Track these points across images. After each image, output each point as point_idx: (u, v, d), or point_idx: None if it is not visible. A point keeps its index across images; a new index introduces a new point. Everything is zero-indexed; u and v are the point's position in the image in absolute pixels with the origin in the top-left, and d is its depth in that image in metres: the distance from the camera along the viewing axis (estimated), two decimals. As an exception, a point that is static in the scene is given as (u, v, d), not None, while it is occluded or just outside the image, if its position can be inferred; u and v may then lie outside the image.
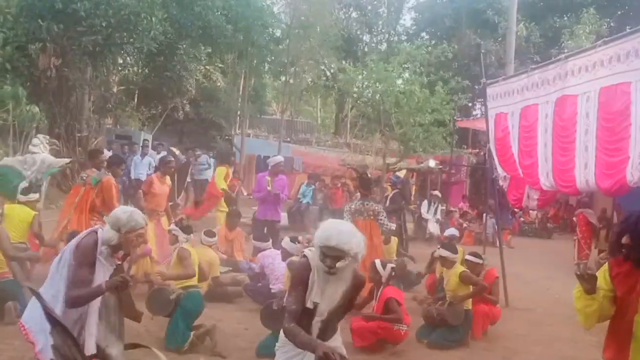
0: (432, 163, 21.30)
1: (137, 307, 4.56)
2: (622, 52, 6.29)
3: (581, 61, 7.09)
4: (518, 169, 8.65)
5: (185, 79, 20.71)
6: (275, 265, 7.70)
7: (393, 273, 6.77)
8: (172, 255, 6.75)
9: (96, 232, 4.10)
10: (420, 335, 7.05)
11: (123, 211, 4.14)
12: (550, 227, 20.96)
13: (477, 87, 23.19)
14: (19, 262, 7.11)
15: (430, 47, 20.40)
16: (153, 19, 15.24)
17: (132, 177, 15.46)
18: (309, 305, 3.39)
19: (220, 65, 23.99)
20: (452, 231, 9.99)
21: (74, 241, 4.15)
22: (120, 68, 20.97)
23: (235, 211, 10.86)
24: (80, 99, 17.30)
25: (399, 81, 19.81)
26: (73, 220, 7.71)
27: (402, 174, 18.16)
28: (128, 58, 20.20)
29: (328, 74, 30.39)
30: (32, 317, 3.90)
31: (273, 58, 22.98)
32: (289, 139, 28.34)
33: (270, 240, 8.67)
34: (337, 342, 3.50)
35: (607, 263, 3.46)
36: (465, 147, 26.05)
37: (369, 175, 10.50)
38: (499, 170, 9.34)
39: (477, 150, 24.95)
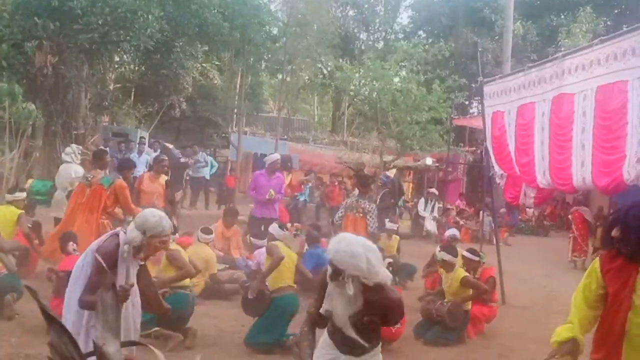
0: (429, 161, 21.35)
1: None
2: (619, 51, 6.29)
3: (578, 60, 7.09)
4: (515, 167, 8.66)
5: (181, 77, 20.68)
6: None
7: (390, 269, 6.77)
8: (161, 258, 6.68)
9: (117, 235, 4.09)
10: (417, 334, 7.07)
11: (152, 214, 4.10)
12: (547, 224, 21.03)
13: (474, 85, 23.28)
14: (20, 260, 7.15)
15: (427, 46, 20.47)
16: (149, 16, 15.19)
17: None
18: (322, 312, 3.40)
19: (217, 63, 23.96)
20: (453, 231, 9.98)
21: (94, 244, 4.16)
22: (116, 66, 20.93)
23: (232, 209, 10.87)
24: (77, 97, 17.25)
25: (396, 79, 19.85)
26: (81, 219, 7.72)
27: (391, 173, 18.21)
28: (124, 56, 20.17)
29: (325, 72, 30.41)
30: (67, 319, 3.92)
31: (270, 56, 22.94)
32: (285, 137, 28.34)
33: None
34: None
35: (597, 259, 3.33)
36: (462, 145, 26.09)
37: (367, 173, 10.54)
38: (496, 168, 9.34)
39: (474, 148, 24.99)
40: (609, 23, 26.71)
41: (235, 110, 23.68)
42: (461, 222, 17.04)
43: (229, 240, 9.89)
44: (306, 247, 9.40)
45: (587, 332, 3.34)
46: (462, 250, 7.49)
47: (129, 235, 4.04)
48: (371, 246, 3.26)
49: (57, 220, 9.00)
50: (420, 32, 32.53)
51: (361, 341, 3.37)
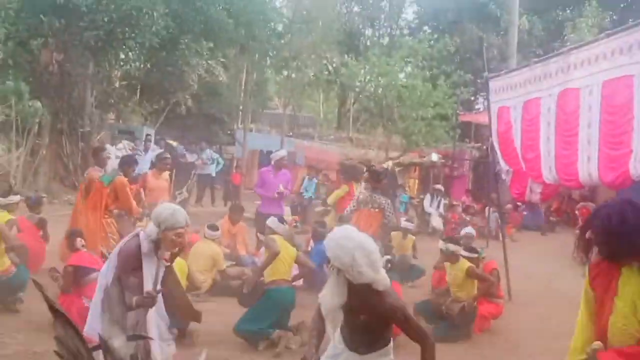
0: (434, 157, 21.29)
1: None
2: (625, 45, 6.26)
3: (584, 54, 7.07)
4: (521, 162, 8.64)
5: (187, 74, 20.69)
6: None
7: (388, 265, 6.79)
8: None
9: (138, 236, 4.10)
10: (418, 310, 7.08)
11: (165, 208, 4.13)
12: (553, 220, 20.91)
13: (479, 80, 23.21)
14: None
15: (432, 41, 20.45)
16: (155, 13, 15.23)
17: (135, 172, 15.49)
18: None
19: (222, 59, 23.96)
20: (469, 230, 9.67)
21: (118, 246, 4.20)
22: (122, 63, 20.94)
23: (238, 205, 10.88)
24: (83, 94, 17.32)
25: (401, 75, 19.87)
26: (84, 218, 7.75)
27: (387, 165, 18.15)
28: (130, 53, 20.19)
29: (330, 68, 30.39)
30: (93, 328, 3.90)
31: (275, 52, 22.94)
32: (291, 134, 28.34)
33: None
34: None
35: (586, 268, 3.16)
36: (468, 140, 26.03)
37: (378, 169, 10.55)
38: (502, 164, 9.33)
39: (480, 144, 24.92)
40: (614, 17, 26.59)
41: (241, 107, 23.73)
42: (467, 218, 17.00)
43: (234, 237, 9.90)
44: (312, 243, 9.41)
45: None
46: (459, 250, 7.37)
47: (147, 230, 4.07)
48: (367, 247, 3.18)
49: None
50: (426, 28, 32.37)
51: (370, 341, 3.39)
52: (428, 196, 17.44)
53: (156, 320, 4.13)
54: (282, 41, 21.85)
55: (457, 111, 20.72)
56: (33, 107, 14.48)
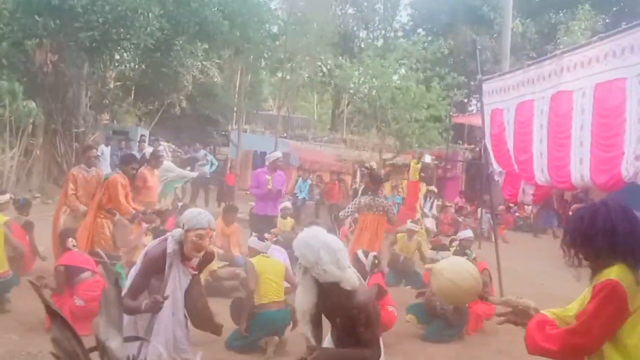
0: (427, 158, 21.32)
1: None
2: (618, 48, 6.30)
3: (577, 57, 7.11)
4: (513, 164, 8.68)
5: (181, 75, 20.69)
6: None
7: (376, 261, 6.84)
8: None
9: (166, 240, 4.09)
10: (410, 310, 7.13)
11: (191, 210, 4.17)
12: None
13: (473, 83, 23.27)
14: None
15: (426, 43, 20.46)
16: (150, 15, 15.22)
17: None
18: None
19: (217, 61, 23.96)
20: (467, 233, 9.54)
21: (145, 249, 4.23)
22: (117, 64, 20.93)
23: (232, 206, 10.90)
24: (77, 95, 17.30)
25: (395, 77, 19.89)
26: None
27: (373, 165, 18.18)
28: (125, 54, 20.18)
29: (324, 70, 30.40)
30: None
31: (270, 54, 22.95)
32: (285, 135, 28.35)
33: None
34: None
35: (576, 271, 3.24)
36: (461, 142, 26.10)
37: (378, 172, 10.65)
38: (495, 165, 9.37)
39: (473, 146, 25.00)
40: (607, 21, 26.71)
41: (235, 108, 23.71)
42: (460, 220, 17.05)
43: (228, 238, 9.90)
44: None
45: None
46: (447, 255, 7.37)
47: (174, 232, 4.09)
48: (333, 245, 3.19)
49: None
50: (420, 30, 32.43)
51: (311, 340, 3.40)
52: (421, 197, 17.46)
53: (172, 327, 4.08)
54: (277, 43, 21.85)
55: (451, 113, 20.77)
56: (27, 107, 14.46)
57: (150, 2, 15.31)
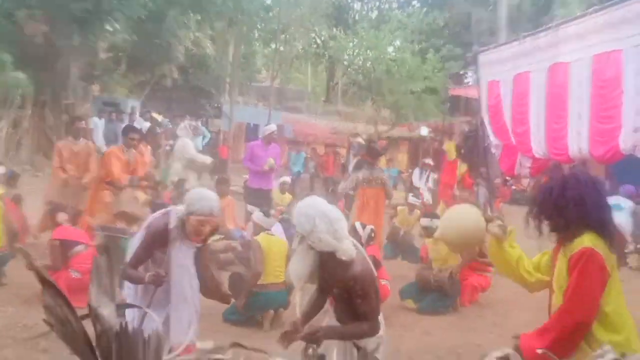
0: (424, 131, 21.29)
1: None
2: (614, 19, 6.24)
3: (573, 28, 7.03)
4: (510, 136, 8.63)
5: (174, 46, 20.46)
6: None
7: (373, 234, 6.82)
8: None
9: (168, 214, 4.03)
10: (403, 294, 7.13)
11: (197, 191, 4.09)
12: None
13: (468, 54, 23.08)
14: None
15: (421, 15, 20.28)
16: (142, -15, 15.01)
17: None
18: None
19: (210, 32, 23.71)
20: None
21: (147, 220, 4.20)
22: (108, 35, 20.66)
23: (224, 178, 10.73)
24: (67, 66, 17.06)
25: (390, 49, 19.76)
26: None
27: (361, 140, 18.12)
28: (116, 25, 19.92)
29: (319, 41, 30.14)
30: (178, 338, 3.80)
31: (263, 25, 22.74)
32: (279, 107, 28.20)
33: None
34: None
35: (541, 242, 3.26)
36: (458, 114, 26.02)
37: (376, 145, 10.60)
38: (492, 137, 9.32)
39: (470, 118, 24.91)
40: (604, -8, 26.47)
41: (228, 80, 23.53)
42: (456, 193, 17.02)
43: (223, 211, 9.82)
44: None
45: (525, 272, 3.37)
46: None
47: (178, 208, 4.04)
48: (330, 215, 3.18)
49: None
50: (415, 2, 32.12)
51: (297, 308, 3.47)
52: (417, 170, 17.43)
53: (192, 298, 4.10)
54: (270, 14, 21.63)
55: (447, 85, 20.66)
56: (16, 78, 14.26)
57: (142, -28, 15.08)
